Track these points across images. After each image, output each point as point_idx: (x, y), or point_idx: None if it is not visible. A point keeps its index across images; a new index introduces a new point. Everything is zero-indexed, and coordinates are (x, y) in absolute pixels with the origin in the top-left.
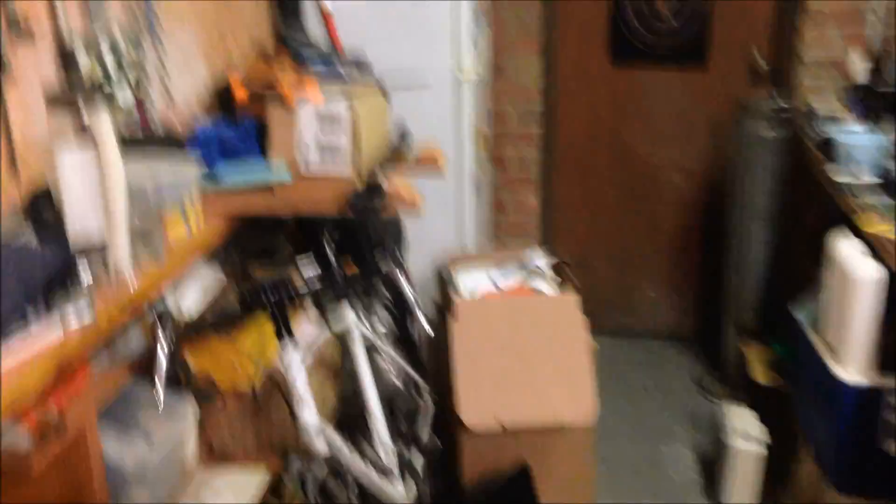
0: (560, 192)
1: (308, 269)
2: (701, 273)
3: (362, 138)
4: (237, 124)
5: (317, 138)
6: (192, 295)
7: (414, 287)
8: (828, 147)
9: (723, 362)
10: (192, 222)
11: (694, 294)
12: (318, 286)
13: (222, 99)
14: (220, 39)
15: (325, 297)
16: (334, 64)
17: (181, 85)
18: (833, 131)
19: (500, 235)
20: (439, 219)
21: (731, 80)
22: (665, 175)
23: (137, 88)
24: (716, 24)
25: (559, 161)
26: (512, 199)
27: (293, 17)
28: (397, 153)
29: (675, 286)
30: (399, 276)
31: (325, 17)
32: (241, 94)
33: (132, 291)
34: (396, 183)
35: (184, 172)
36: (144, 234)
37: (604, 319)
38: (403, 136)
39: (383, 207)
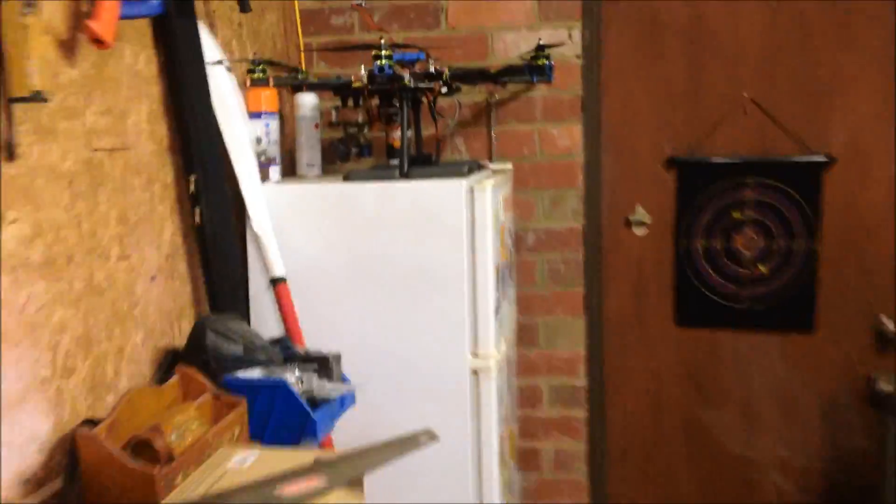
0: (618, 498)
1: None
2: None
3: None
4: None
5: None
6: None
7: None
8: None
9: None
10: None
11: None
12: None
13: (68, 471)
14: (87, 351)
15: None
16: (279, 369)
17: None
18: None
19: None
20: None
21: (849, 347)
22: (764, 474)
23: None
24: (823, 272)
25: (613, 455)
26: None
27: (225, 294)
28: None
29: None
30: None
31: (275, 286)
32: None
33: None
34: None
35: None
36: None
37: None
38: None
39: None
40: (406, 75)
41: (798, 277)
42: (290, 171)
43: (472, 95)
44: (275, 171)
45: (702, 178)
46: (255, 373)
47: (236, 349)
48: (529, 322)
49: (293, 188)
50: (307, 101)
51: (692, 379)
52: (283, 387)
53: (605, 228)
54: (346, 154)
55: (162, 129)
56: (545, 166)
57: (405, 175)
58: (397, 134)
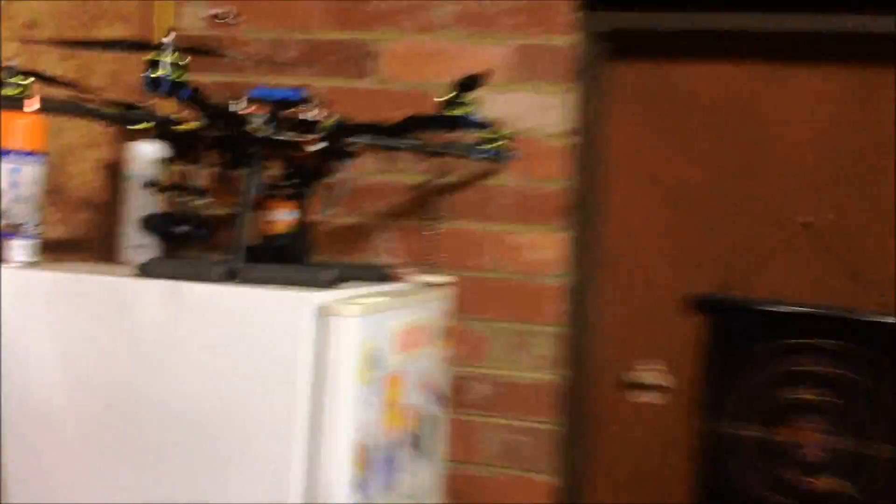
0: None
1: None
2: None
3: None
4: None
5: None
6: None
7: None
8: None
9: None
10: None
11: None
12: None
13: None
14: None
15: None
16: None
17: None
18: None
19: None
20: None
21: None
22: None
23: None
24: None
25: None
26: None
27: None
28: None
29: None
30: None
31: None
32: None
33: None
34: None
35: None
36: None
37: None
38: None
39: None
40: (255, 119)
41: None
42: (106, 254)
43: (411, 174)
44: (21, 247)
45: (744, 331)
46: None
47: None
48: None
49: (42, 277)
50: (140, 151)
51: None
52: None
53: (594, 389)
54: (168, 234)
55: None
56: (509, 287)
57: (230, 275)
58: (278, 215)
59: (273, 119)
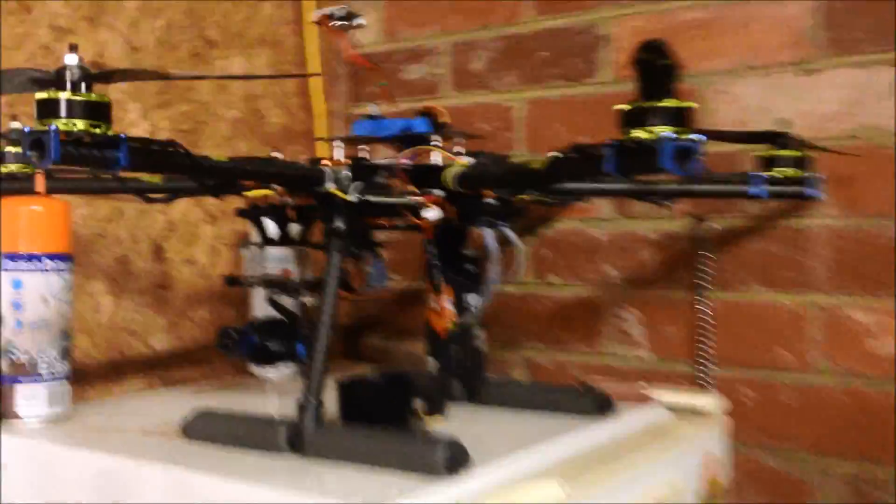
0: None
1: None
2: None
3: None
4: None
5: None
6: None
7: None
8: None
9: None
10: None
11: None
12: None
13: None
14: None
15: None
16: None
17: None
18: None
19: None
20: None
21: None
22: None
23: None
24: None
25: None
26: None
27: None
28: None
29: None
30: None
31: None
32: None
33: None
34: None
35: None
36: None
37: None
38: None
39: None
40: (335, 174)
41: None
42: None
43: (659, 220)
44: (35, 399)
45: None
46: None
47: None
48: None
49: (28, 447)
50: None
51: None
52: None
53: None
54: (256, 355)
55: None
56: (838, 399)
57: (294, 445)
58: (443, 302)
59: (365, 172)
